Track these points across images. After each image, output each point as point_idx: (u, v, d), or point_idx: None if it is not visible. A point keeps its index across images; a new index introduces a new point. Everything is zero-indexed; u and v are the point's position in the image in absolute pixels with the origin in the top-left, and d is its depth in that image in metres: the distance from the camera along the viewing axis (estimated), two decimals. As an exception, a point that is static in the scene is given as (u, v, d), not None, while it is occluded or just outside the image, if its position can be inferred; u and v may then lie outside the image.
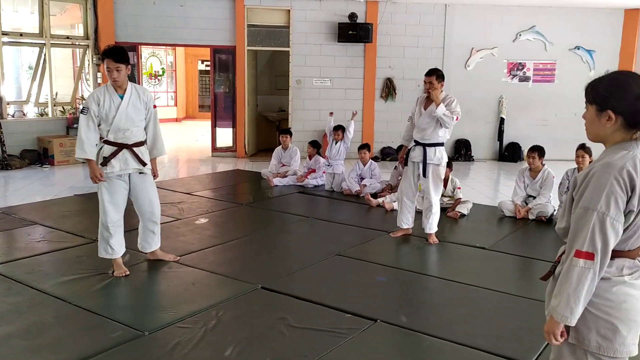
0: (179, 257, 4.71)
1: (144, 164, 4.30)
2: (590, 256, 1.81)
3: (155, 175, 4.47)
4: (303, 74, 10.87)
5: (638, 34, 11.17)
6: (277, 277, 4.37)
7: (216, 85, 11.27)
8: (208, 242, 5.31)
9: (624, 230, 1.83)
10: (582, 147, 6.06)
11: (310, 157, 8.30)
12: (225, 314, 3.66)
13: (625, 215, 1.81)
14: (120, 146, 4.19)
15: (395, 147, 10.98)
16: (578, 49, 11.36)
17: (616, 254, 1.87)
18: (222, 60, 11.16)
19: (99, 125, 4.16)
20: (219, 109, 11.33)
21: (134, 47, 10.62)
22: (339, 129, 7.82)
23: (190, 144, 13.38)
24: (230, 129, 11.15)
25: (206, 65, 18.49)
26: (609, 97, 1.86)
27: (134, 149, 4.24)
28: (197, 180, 8.46)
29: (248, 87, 10.85)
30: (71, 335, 3.36)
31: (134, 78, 10.60)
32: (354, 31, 10.49)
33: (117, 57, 4.08)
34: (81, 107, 4.31)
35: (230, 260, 4.85)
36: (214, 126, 11.16)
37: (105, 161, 4.16)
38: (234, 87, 10.85)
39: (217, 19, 10.53)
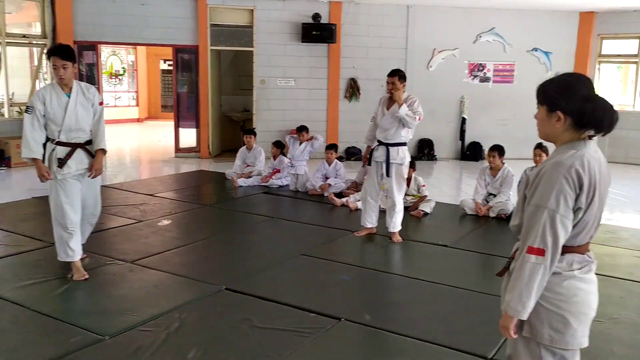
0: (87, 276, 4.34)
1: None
2: (541, 252, 1.87)
3: (97, 171, 4.29)
4: (267, 74, 10.84)
5: (592, 36, 11.53)
6: (241, 277, 4.36)
7: (179, 85, 11.14)
8: (171, 243, 5.25)
9: (573, 227, 1.91)
10: (539, 146, 6.23)
11: (274, 158, 8.29)
12: (189, 316, 3.63)
13: (574, 212, 1.88)
14: (74, 146, 4.15)
15: (359, 147, 11.10)
16: (535, 50, 11.65)
17: (566, 249, 1.94)
18: (185, 60, 11.04)
19: (45, 125, 4.09)
20: (182, 109, 11.22)
21: (93, 46, 10.43)
22: (303, 129, 7.83)
23: (152, 144, 13.18)
24: (194, 130, 11.04)
25: (169, 65, 18.22)
26: (558, 98, 1.93)
27: (87, 147, 4.22)
28: (159, 182, 8.35)
29: (212, 87, 10.76)
30: (29, 340, 3.28)
31: (93, 77, 10.40)
32: (317, 31, 10.52)
33: (64, 54, 4.03)
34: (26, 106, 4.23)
35: (193, 262, 4.81)
36: (177, 126, 11.03)
37: (62, 163, 4.10)
38: (197, 87, 10.74)
39: (179, 18, 10.41)
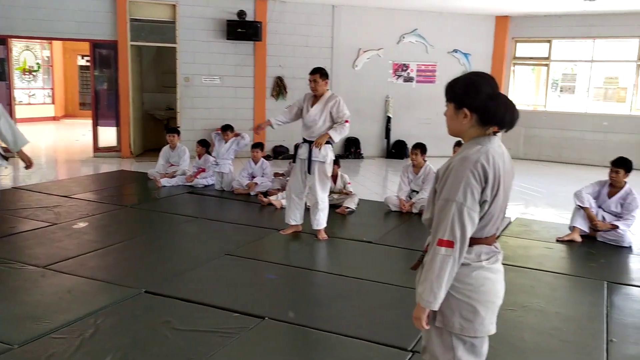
0: None
1: (6, 159, 4.19)
2: (450, 244, 1.93)
3: (29, 164, 4.26)
4: (191, 72, 10.62)
5: (507, 39, 12.11)
6: (162, 280, 4.24)
7: (97, 82, 10.69)
8: (87, 247, 5.02)
9: (480, 219, 1.98)
10: (459, 144, 6.47)
11: (199, 157, 8.13)
12: (105, 321, 3.49)
13: (480, 205, 1.96)
14: None
15: (287, 145, 11.10)
16: (456, 52, 12.09)
17: (474, 241, 2.01)
18: (103, 56, 10.61)
19: None
20: (101, 107, 10.78)
21: (4, 40, 9.82)
22: (228, 129, 7.73)
23: (70, 144, 12.58)
24: (114, 128, 10.63)
25: (87, 61, 17.46)
26: (464, 96, 2.01)
27: None
28: (76, 182, 7.97)
29: (132, 84, 10.40)
30: None
31: (4, 74, 9.80)
32: (243, 29, 10.41)
33: None
34: None
35: (111, 265, 4.63)
36: (95, 125, 10.57)
37: None
38: (117, 84, 10.34)
39: (97, 12, 9.98)
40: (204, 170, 8.00)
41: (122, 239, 5.33)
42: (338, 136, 5.33)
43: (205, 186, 7.87)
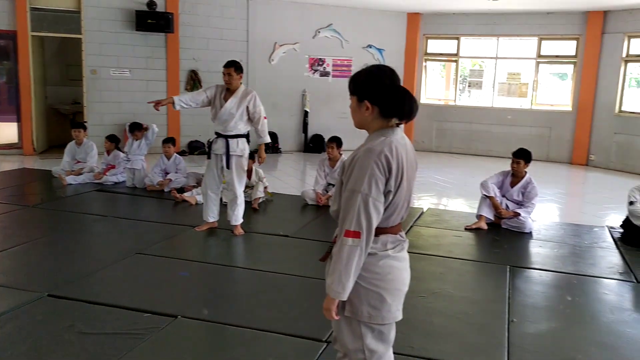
0: None
1: None
2: (357, 235, 1.96)
3: None
4: (99, 64, 10.13)
5: (419, 36, 12.50)
6: (67, 282, 4.03)
7: (-6, 74, 9.97)
8: (-16, 250, 4.69)
9: (385, 209, 2.03)
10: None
11: (108, 153, 7.79)
12: (3, 328, 3.27)
13: (385, 195, 2.00)
14: None
15: (202, 140, 10.88)
16: (370, 47, 12.32)
17: (380, 231, 2.06)
18: (1, 47, 9.89)
19: None
20: (0, 101, 10.05)
21: None
22: (135, 129, 7.46)
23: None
24: (15, 124, 9.95)
25: (-16, 52, 16.26)
26: (365, 89, 2.05)
27: None
28: (-28, 182, 7.42)
29: (34, 76, 9.77)
30: None
31: None
32: (153, 20, 10.04)
33: None
34: None
35: (11, 269, 4.34)
36: (-7, 120, 9.87)
37: None
38: (16, 76, 9.68)
39: (-7, 0, 9.31)
40: (113, 167, 7.68)
41: (23, 240, 5.01)
42: (267, 137, 5.49)
43: (116, 183, 7.56)
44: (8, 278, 4.10)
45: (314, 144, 12.06)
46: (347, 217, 1.98)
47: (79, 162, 7.75)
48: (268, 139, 5.51)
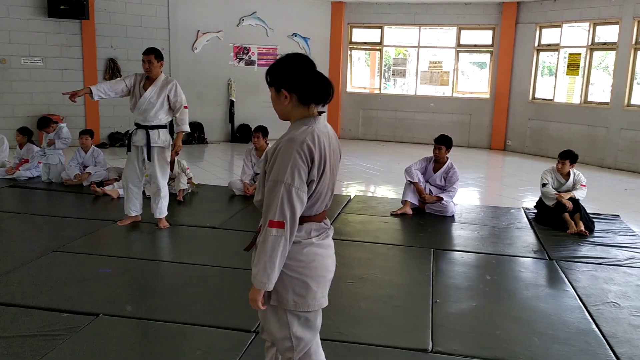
0: None
1: None
2: (281, 225, 1.96)
3: None
4: (8, 53, 9.51)
5: (343, 25, 12.59)
6: (-23, 285, 3.78)
7: None
8: None
9: (309, 198, 2.03)
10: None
11: (21, 146, 7.37)
12: None
13: (308, 185, 2.01)
14: None
15: (124, 132, 10.48)
16: (295, 36, 12.29)
17: (304, 219, 2.06)
18: None
19: None
20: None
21: None
22: (44, 124, 7.09)
23: None
24: None
25: None
26: (281, 78, 2.04)
27: None
28: None
29: None
30: None
31: None
32: (66, 6, 9.54)
33: None
34: None
35: None
36: None
37: None
38: None
39: None
40: (27, 161, 7.26)
41: None
42: (187, 126, 5.30)
43: (30, 178, 7.18)
44: None
45: (240, 134, 11.93)
46: (270, 208, 1.97)
47: (-12, 157, 7.28)
48: (187, 129, 5.32)
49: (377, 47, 12.85)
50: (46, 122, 7.14)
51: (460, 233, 5.59)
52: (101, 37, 10.27)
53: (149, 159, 5.20)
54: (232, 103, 11.84)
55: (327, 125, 2.12)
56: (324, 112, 2.11)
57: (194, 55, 11.36)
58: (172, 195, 5.96)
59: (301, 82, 2.01)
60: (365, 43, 12.97)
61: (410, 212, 6.14)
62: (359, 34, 12.88)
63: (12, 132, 8.12)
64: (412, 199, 6.18)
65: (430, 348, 3.16)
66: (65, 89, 9.93)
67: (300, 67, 2.02)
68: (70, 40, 9.99)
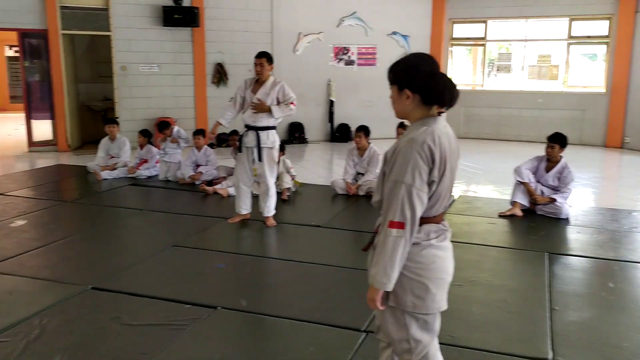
0: None
1: None
2: (401, 225, 1.96)
3: None
4: (128, 60, 10.27)
5: (444, 21, 12.32)
6: (109, 275, 4.12)
7: (28, 74, 10.16)
8: (27, 245, 4.81)
9: (429, 199, 2.02)
10: (402, 125, 6.58)
11: (141, 147, 7.91)
12: (51, 321, 3.37)
13: (428, 185, 1.99)
14: None
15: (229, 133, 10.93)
16: (395, 34, 12.20)
17: (423, 220, 2.05)
18: (33, 46, 10.09)
19: None
20: (34, 99, 10.28)
21: None
22: (164, 127, 7.56)
23: (1, 139, 11.96)
24: (49, 121, 10.17)
25: (15, 51, 16.61)
26: (405, 77, 2.03)
27: None
28: (11, 179, 7.60)
29: (66, 74, 9.95)
30: None
31: None
32: (179, 15, 10.13)
33: None
34: None
35: (54, 263, 4.45)
36: (28, 118, 10.09)
37: None
38: (49, 75, 9.87)
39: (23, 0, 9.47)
40: (146, 161, 7.79)
41: (64, 235, 5.13)
42: (279, 112, 5.31)
43: (149, 177, 7.68)
44: (52, 272, 4.21)
45: (340, 134, 12.03)
46: (390, 208, 1.98)
47: (112, 157, 7.89)
48: (275, 112, 5.28)
49: (480, 43, 12.45)
50: (166, 125, 7.62)
51: (577, 237, 5.28)
52: (210, 43, 10.79)
53: (260, 159, 5.39)
54: (331, 103, 11.98)
55: (447, 125, 2.09)
56: (443, 112, 2.08)
57: (296, 57, 11.62)
58: (278, 194, 6.14)
59: (426, 84, 2.00)
60: (468, 38, 12.61)
61: (520, 213, 5.89)
62: (460, 30, 12.54)
63: (132, 134, 8.75)
64: (522, 200, 5.93)
65: (550, 358, 3.01)
66: (178, 94, 10.71)
67: (426, 68, 2.01)
68: (183, 47, 10.60)
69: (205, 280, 4.13)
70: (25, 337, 3.15)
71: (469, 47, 13.27)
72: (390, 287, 2.02)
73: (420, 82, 2.00)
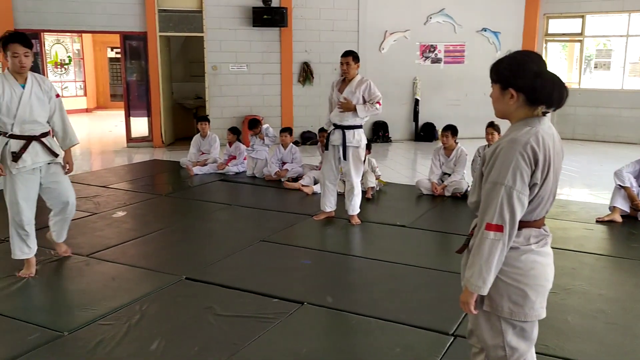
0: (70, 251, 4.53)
1: (56, 155, 4.10)
2: (499, 228, 1.91)
3: (69, 168, 4.24)
4: (219, 60, 10.65)
5: (539, 16, 11.82)
6: (201, 266, 4.31)
7: (128, 73, 10.81)
8: (127, 235, 5.14)
9: (530, 202, 1.95)
10: (491, 125, 6.38)
11: (230, 144, 8.19)
12: (149, 307, 3.57)
13: (530, 188, 1.92)
14: (29, 139, 3.97)
15: (314, 131, 11.08)
16: (485, 30, 11.85)
17: (523, 224, 1.98)
18: (133, 47, 10.72)
19: None
20: (133, 97, 10.92)
21: (36, 35, 9.97)
22: (253, 125, 7.77)
23: (103, 135, 12.81)
24: (146, 118, 10.77)
25: (116, 53, 17.69)
26: (510, 76, 1.96)
27: (42, 140, 4.03)
28: (112, 173, 8.12)
29: (162, 74, 10.49)
30: (-18, 342, 3.16)
31: (37, 67, 9.97)
32: (268, 15, 10.38)
33: (26, 41, 3.88)
34: None
35: (151, 253, 4.72)
36: (127, 116, 10.73)
37: (16, 156, 3.92)
38: (147, 74, 10.45)
39: (126, 4, 10.07)
40: (235, 158, 8.06)
41: (159, 227, 5.42)
42: (364, 112, 5.32)
43: (237, 173, 7.94)
44: (149, 261, 4.46)
45: (425, 133, 11.86)
46: (488, 210, 1.93)
47: (203, 153, 8.23)
48: (360, 112, 5.28)
49: (577, 39, 11.83)
50: (255, 124, 7.84)
51: (684, 246, 4.91)
52: (297, 42, 10.98)
53: (345, 158, 5.43)
54: (416, 102, 11.83)
55: (552, 126, 2.01)
56: (548, 112, 2.00)
57: (381, 55, 11.57)
58: (362, 193, 6.15)
59: (532, 83, 1.92)
60: (563, 34, 12.02)
61: (619, 219, 5.55)
62: (555, 25, 11.97)
63: (221, 131, 9.08)
64: (623, 205, 5.58)
65: (654, 373, 2.84)
66: (265, 92, 10.99)
67: (533, 66, 1.93)
68: (271, 47, 10.85)
69: (292, 275, 4.22)
70: (128, 321, 3.37)
71: (565, 44, 12.64)
72: (485, 291, 1.97)
73: (526, 81, 1.93)
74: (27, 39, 3.94)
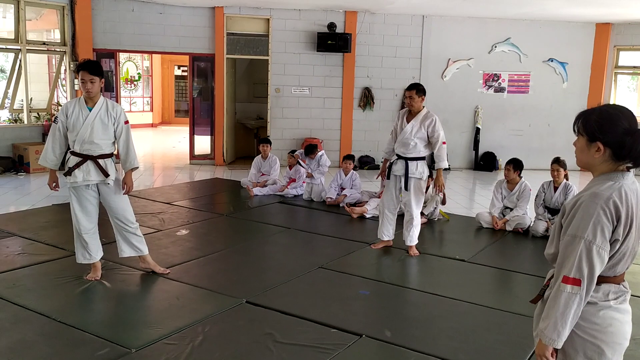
0: (169, 271, 4.73)
1: (107, 175, 4.33)
2: (577, 282, 1.87)
3: (128, 188, 4.44)
4: (282, 83, 10.90)
5: (609, 48, 11.49)
6: (261, 290, 4.38)
7: (194, 92, 11.22)
8: (190, 254, 5.29)
9: (610, 258, 1.91)
10: (557, 161, 6.23)
11: (290, 167, 8.32)
12: (211, 329, 3.66)
13: (611, 244, 1.88)
14: (85, 157, 4.29)
15: (372, 156, 11.12)
16: (551, 61, 11.62)
17: (602, 279, 1.94)
18: (201, 68, 11.13)
19: (67, 135, 4.30)
20: (197, 116, 11.29)
21: (112, 54, 10.51)
22: (310, 151, 7.90)
23: (166, 150, 13.26)
24: (209, 137, 11.11)
25: (182, 71, 18.40)
26: (599, 129, 1.92)
27: (99, 160, 4.31)
28: (176, 190, 8.40)
29: (227, 94, 10.83)
30: (57, 353, 3.31)
31: (109, 84, 10.49)
32: (332, 41, 10.56)
33: (92, 69, 4.21)
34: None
35: (213, 274, 4.83)
36: (192, 133, 11.10)
37: (70, 171, 4.27)
38: (212, 94, 10.81)
39: (196, 27, 10.49)
40: (294, 180, 8.18)
41: (220, 247, 5.55)
42: (445, 162, 5.45)
43: (295, 196, 8.04)
44: (211, 282, 4.57)
45: (484, 162, 11.66)
46: (566, 263, 1.90)
47: (263, 174, 8.39)
48: (445, 164, 5.44)
49: (649, 72, 11.42)
50: (312, 149, 7.95)
51: None
52: (359, 67, 11.10)
53: (407, 188, 5.42)
54: (477, 130, 11.67)
55: (635, 181, 1.96)
56: (633, 167, 1.96)
57: (443, 82, 11.52)
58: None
59: (622, 140, 1.89)
60: (635, 67, 11.62)
61: (694, 266, 5.27)
62: (626, 57, 11.60)
63: (280, 152, 9.25)
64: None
65: None
66: (326, 116, 11.13)
67: (624, 123, 1.90)
68: (333, 71, 11.01)
69: (350, 305, 4.22)
70: (191, 342, 3.46)
71: (634, 76, 12.22)
72: (559, 345, 1.93)
73: (616, 138, 1.89)
74: (94, 67, 4.25)
